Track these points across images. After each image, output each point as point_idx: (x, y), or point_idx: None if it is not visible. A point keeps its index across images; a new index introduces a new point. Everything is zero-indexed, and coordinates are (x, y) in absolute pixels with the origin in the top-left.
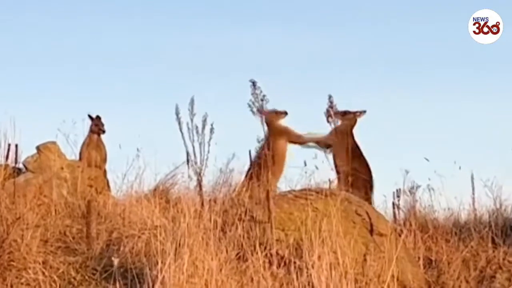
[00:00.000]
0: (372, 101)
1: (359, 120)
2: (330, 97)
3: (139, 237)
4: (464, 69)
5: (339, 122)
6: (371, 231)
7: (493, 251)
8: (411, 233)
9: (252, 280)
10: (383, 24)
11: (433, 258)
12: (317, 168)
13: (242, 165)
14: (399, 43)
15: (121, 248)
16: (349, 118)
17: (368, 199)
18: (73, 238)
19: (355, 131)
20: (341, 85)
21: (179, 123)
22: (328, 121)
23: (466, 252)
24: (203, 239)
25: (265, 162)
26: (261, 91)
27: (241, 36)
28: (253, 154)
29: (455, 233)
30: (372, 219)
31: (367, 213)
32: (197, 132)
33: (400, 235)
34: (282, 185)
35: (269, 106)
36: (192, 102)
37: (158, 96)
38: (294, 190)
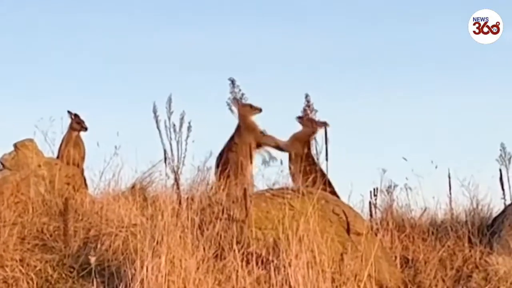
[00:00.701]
0: (353, 101)
1: (319, 131)
2: (306, 96)
3: (116, 235)
4: (464, 69)
5: (301, 127)
6: (348, 230)
7: (470, 251)
8: (388, 232)
9: (229, 278)
10: (383, 24)
11: (410, 257)
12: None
13: None
14: (399, 43)
15: (99, 246)
16: (311, 126)
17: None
18: (50, 236)
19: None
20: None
21: (157, 121)
22: None
23: (443, 252)
24: (180, 237)
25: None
26: (240, 90)
27: (231, 34)
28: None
29: (432, 233)
30: (349, 218)
31: (344, 212)
32: (174, 130)
33: (377, 234)
34: (259, 184)
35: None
36: (169, 100)
37: (137, 93)
38: (271, 189)
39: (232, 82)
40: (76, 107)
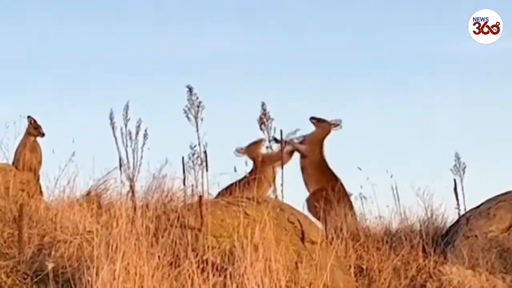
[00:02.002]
0: (305, 109)
1: (333, 131)
2: (263, 104)
3: (71, 242)
4: (464, 70)
5: (313, 129)
6: (303, 239)
7: (424, 260)
8: (343, 241)
9: (184, 286)
10: (382, 24)
11: (364, 266)
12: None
13: (174, 171)
14: (398, 43)
15: (53, 253)
16: (323, 126)
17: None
18: (4, 242)
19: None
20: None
21: (113, 128)
22: (261, 129)
23: (397, 261)
24: (135, 244)
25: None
26: (197, 97)
27: (190, 40)
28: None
29: (386, 242)
30: (304, 227)
31: (298, 220)
32: (130, 137)
33: (331, 243)
34: (214, 192)
35: (205, 113)
36: (126, 107)
37: (93, 100)
38: (226, 197)
39: (190, 89)
40: (30, 113)
